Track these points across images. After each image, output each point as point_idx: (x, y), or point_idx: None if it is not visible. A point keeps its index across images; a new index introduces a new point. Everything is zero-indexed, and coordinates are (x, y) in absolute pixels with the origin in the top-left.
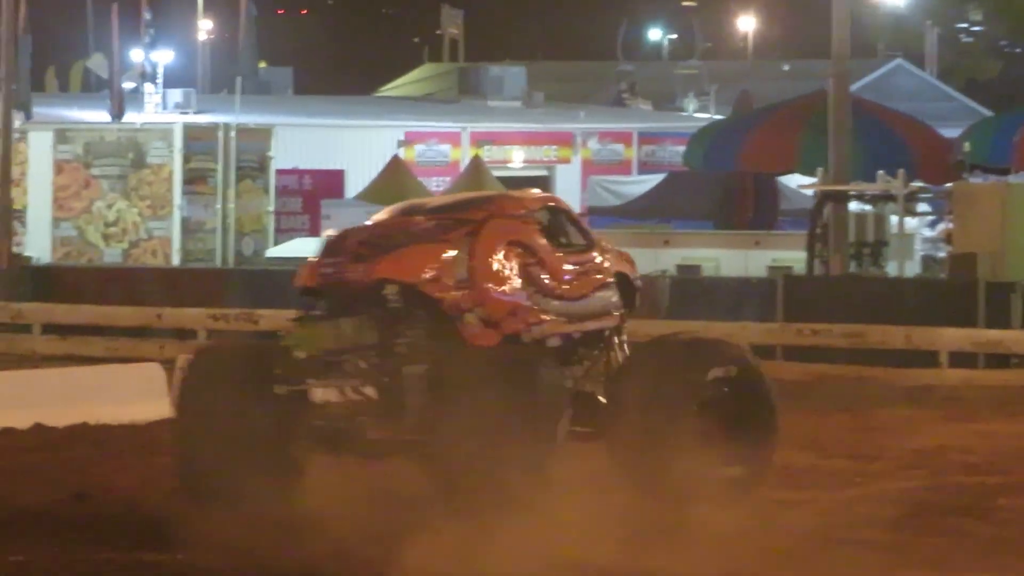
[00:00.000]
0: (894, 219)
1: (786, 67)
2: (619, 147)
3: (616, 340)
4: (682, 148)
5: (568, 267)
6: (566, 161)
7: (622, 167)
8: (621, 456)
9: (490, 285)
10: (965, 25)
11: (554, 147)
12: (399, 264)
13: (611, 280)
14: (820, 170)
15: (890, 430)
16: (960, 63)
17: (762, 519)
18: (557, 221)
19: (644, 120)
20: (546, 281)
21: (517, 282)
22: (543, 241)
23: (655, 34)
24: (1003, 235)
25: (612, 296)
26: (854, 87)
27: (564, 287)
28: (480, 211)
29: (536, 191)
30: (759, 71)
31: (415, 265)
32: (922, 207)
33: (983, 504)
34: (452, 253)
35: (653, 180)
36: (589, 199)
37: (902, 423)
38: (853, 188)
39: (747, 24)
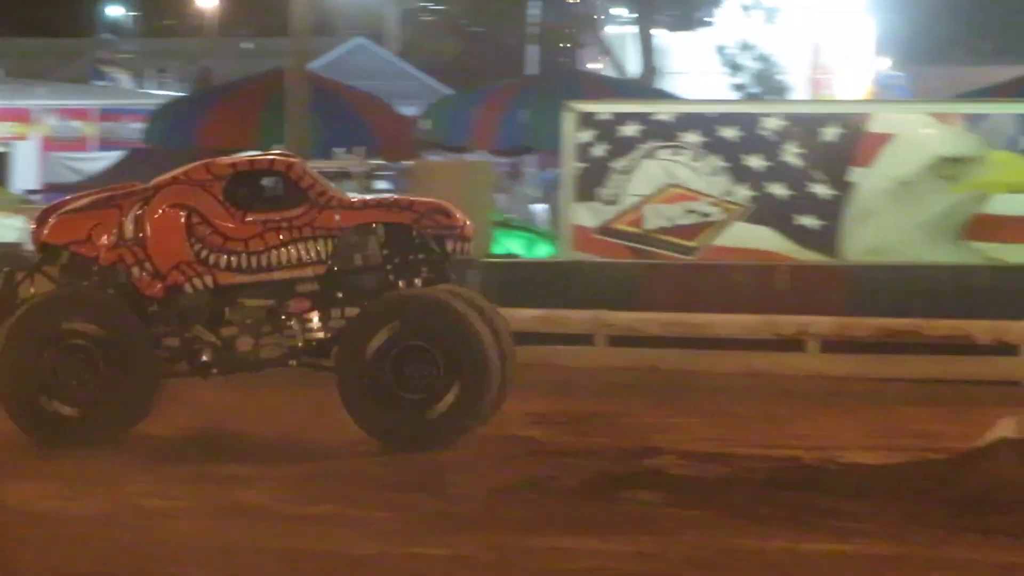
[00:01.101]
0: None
1: (249, 45)
2: (78, 124)
3: (307, 287)
4: (143, 125)
5: (247, 226)
6: (23, 137)
7: (80, 144)
8: None
9: (152, 244)
10: (426, 4)
11: (10, 123)
12: (54, 229)
13: (313, 235)
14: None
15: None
16: (421, 42)
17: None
18: (250, 183)
19: (104, 97)
20: (213, 239)
21: (183, 240)
22: (217, 203)
23: (116, 11)
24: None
25: (305, 249)
26: (315, 65)
27: (233, 243)
28: (166, 180)
29: (253, 154)
30: (221, 49)
31: (62, 229)
32: (382, 184)
33: (434, 481)
34: (111, 217)
35: (113, 157)
36: (48, 176)
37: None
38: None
39: (208, 1)
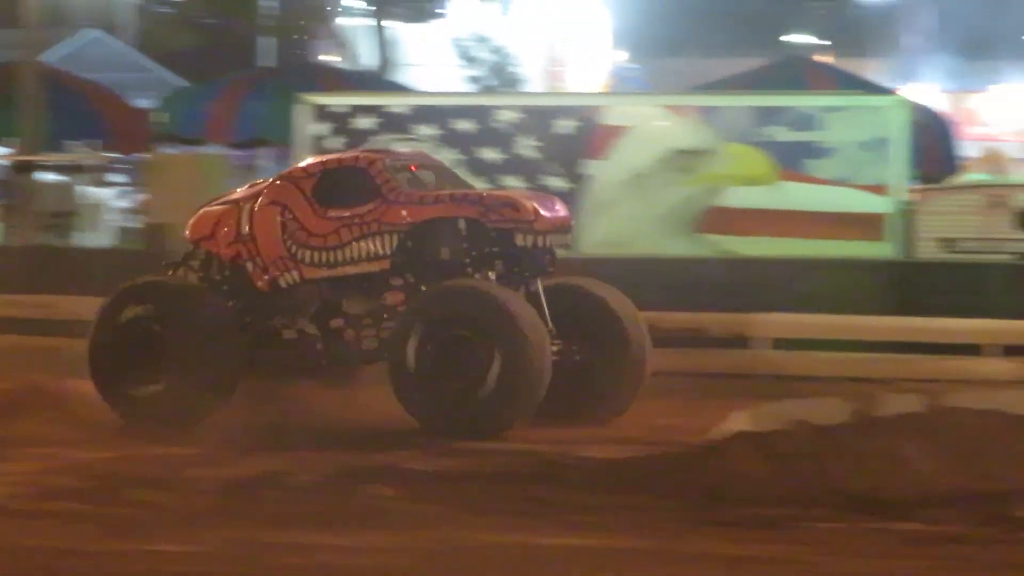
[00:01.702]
0: (89, 190)
1: None
2: None
3: (389, 281)
4: None
5: (327, 221)
6: None
7: None
8: None
9: (259, 240)
10: None
11: None
12: (192, 227)
13: (387, 230)
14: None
15: None
16: (157, 34)
17: None
18: (336, 180)
19: None
20: (300, 234)
21: (277, 235)
22: (304, 200)
23: None
24: (196, 205)
25: (377, 244)
26: (50, 58)
27: (315, 239)
28: (274, 178)
29: (352, 152)
30: None
31: (196, 226)
32: (116, 177)
33: (170, 476)
34: (231, 214)
35: None
36: None
37: None
38: (45, 159)
39: None
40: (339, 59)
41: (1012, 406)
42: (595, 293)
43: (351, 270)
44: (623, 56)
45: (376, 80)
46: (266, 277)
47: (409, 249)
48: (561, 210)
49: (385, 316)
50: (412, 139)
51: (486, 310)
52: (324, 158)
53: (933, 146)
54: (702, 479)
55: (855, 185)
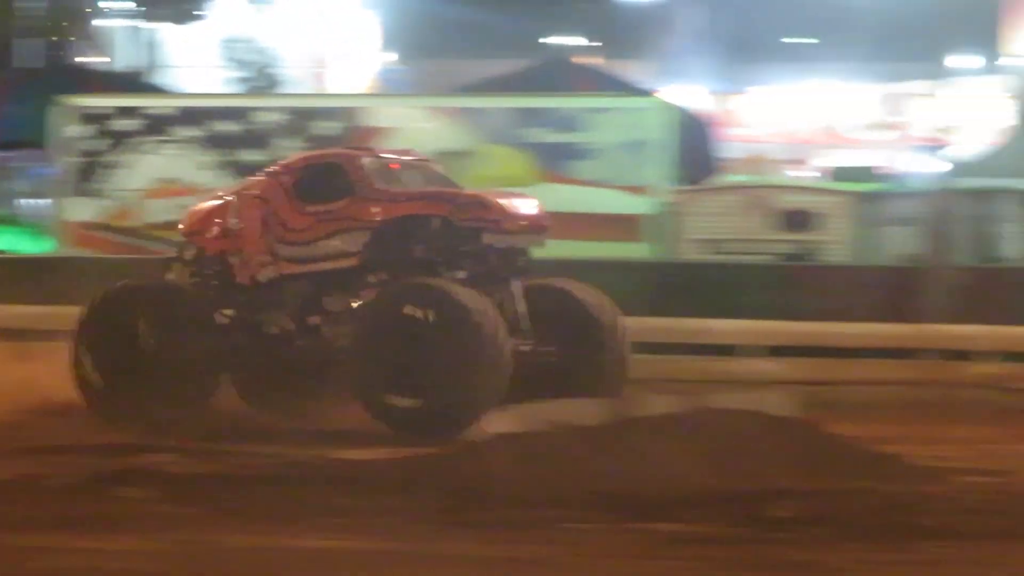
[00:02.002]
0: None
1: None
2: None
3: (366, 279)
4: None
5: (303, 217)
6: None
7: None
8: None
9: (242, 235)
10: None
11: None
12: (185, 222)
13: (359, 226)
14: None
15: None
16: None
17: None
18: (316, 176)
19: None
20: (278, 230)
21: (258, 231)
22: (284, 195)
23: None
24: None
25: (350, 241)
26: None
27: (292, 234)
28: (259, 175)
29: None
30: None
31: (189, 222)
32: None
33: None
34: (220, 210)
35: None
36: None
37: None
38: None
39: None
40: (103, 61)
41: (770, 407)
42: (576, 296)
43: (325, 266)
44: (392, 57)
45: (139, 82)
46: (247, 272)
47: (381, 246)
48: (536, 211)
49: (360, 314)
50: (174, 140)
51: (438, 303)
52: (308, 154)
53: (694, 148)
54: (458, 480)
55: (615, 186)
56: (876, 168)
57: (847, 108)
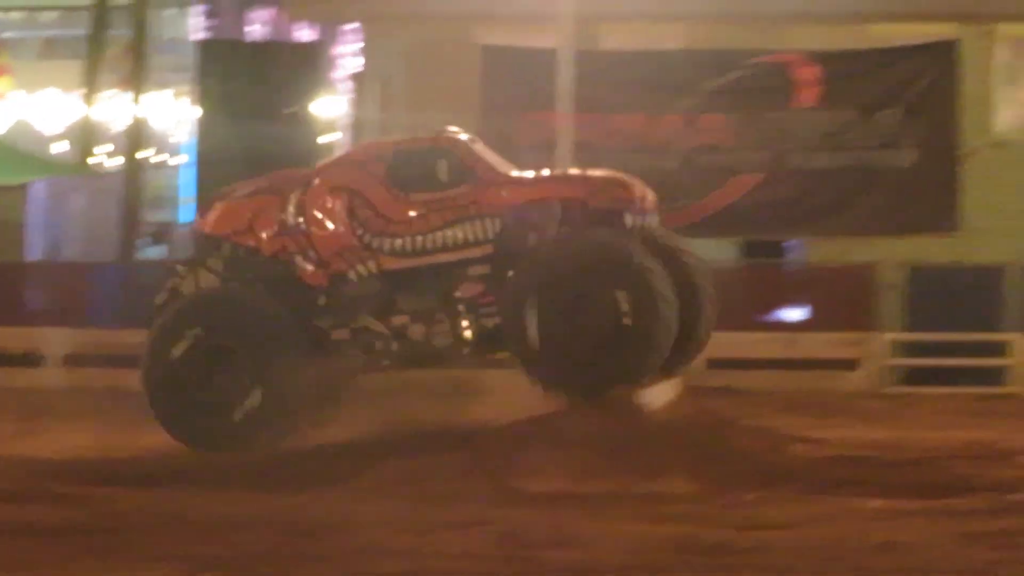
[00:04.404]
0: None
1: None
2: None
3: (478, 270)
4: None
5: (409, 207)
6: None
7: None
8: None
9: (314, 230)
10: None
11: None
12: (215, 220)
13: (480, 214)
14: None
15: None
16: None
17: None
18: (413, 162)
19: None
20: (375, 222)
21: (343, 225)
22: (378, 185)
23: None
24: None
25: (470, 230)
26: None
27: (396, 226)
28: (329, 163)
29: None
30: None
31: (222, 220)
32: None
33: None
34: (269, 206)
35: None
36: None
37: None
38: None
39: None
40: None
41: None
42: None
43: (446, 257)
44: None
45: None
46: (323, 271)
47: (507, 233)
48: (650, 192)
49: (460, 309)
50: None
51: (615, 263)
52: (396, 140)
53: None
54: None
55: None
56: None
57: None
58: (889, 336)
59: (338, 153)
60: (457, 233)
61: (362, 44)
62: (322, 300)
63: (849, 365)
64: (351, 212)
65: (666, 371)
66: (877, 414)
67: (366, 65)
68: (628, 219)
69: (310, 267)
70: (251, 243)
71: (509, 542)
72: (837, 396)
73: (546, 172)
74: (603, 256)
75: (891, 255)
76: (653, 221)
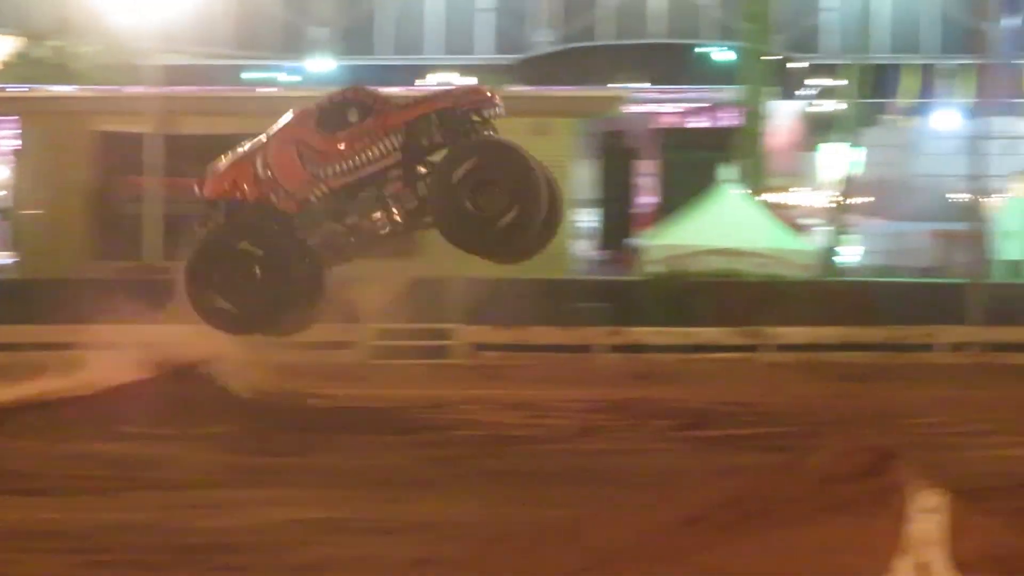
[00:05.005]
0: None
1: None
2: None
3: (395, 172)
4: None
5: (337, 142)
6: None
7: None
8: None
9: (279, 175)
10: None
11: None
12: (209, 188)
13: (386, 134)
14: None
15: None
16: None
17: None
18: (334, 109)
19: None
20: (317, 158)
21: (297, 166)
22: (312, 133)
23: None
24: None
25: (381, 146)
26: None
27: (332, 158)
28: (271, 130)
29: (343, 89)
30: None
31: (214, 187)
32: None
33: None
34: (242, 167)
35: None
36: None
37: None
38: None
39: None
40: None
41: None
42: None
43: (370, 169)
44: None
45: None
46: (292, 201)
47: (407, 143)
48: (497, 92)
49: (389, 202)
50: None
51: (517, 161)
52: (311, 103)
53: None
54: None
55: None
56: None
57: None
58: (373, 326)
59: (281, 121)
60: (373, 150)
61: (19, 130)
62: (297, 220)
63: (344, 345)
64: (300, 155)
65: (540, 243)
66: (363, 379)
67: (23, 143)
68: (487, 112)
69: (283, 200)
70: (239, 196)
71: (114, 466)
72: (335, 367)
73: (422, 94)
74: (498, 156)
75: None
76: (502, 112)
